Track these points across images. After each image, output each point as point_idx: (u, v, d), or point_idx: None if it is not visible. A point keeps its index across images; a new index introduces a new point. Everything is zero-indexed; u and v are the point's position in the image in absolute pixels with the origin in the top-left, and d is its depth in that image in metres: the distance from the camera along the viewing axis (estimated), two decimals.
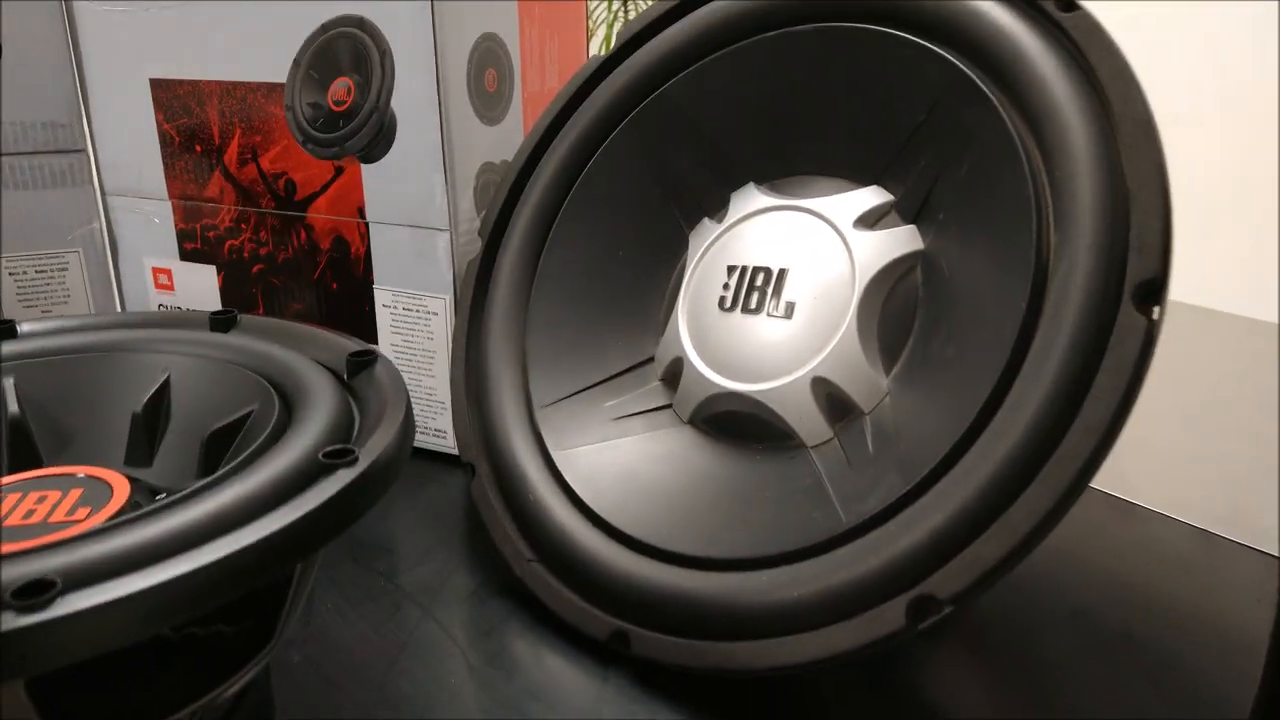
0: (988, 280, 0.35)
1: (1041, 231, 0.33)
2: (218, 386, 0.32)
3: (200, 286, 0.56)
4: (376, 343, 0.52)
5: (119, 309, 0.59)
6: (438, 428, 0.52)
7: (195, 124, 0.53)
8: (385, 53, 0.47)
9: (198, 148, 0.53)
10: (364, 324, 0.52)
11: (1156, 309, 0.30)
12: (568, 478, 0.40)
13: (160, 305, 0.58)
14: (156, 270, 0.57)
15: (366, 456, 0.25)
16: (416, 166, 0.48)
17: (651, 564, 0.36)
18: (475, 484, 0.43)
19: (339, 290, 0.52)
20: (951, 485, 0.31)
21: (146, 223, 0.56)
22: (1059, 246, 0.32)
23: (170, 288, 0.57)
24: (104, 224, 0.58)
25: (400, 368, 0.51)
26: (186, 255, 0.56)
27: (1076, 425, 0.30)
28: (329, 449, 0.25)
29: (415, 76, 0.46)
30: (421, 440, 0.53)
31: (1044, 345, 0.31)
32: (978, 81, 0.36)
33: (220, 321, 0.35)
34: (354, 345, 0.32)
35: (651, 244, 0.46)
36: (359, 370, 0.31)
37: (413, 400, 0.52)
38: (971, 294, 0.36)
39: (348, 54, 0.48)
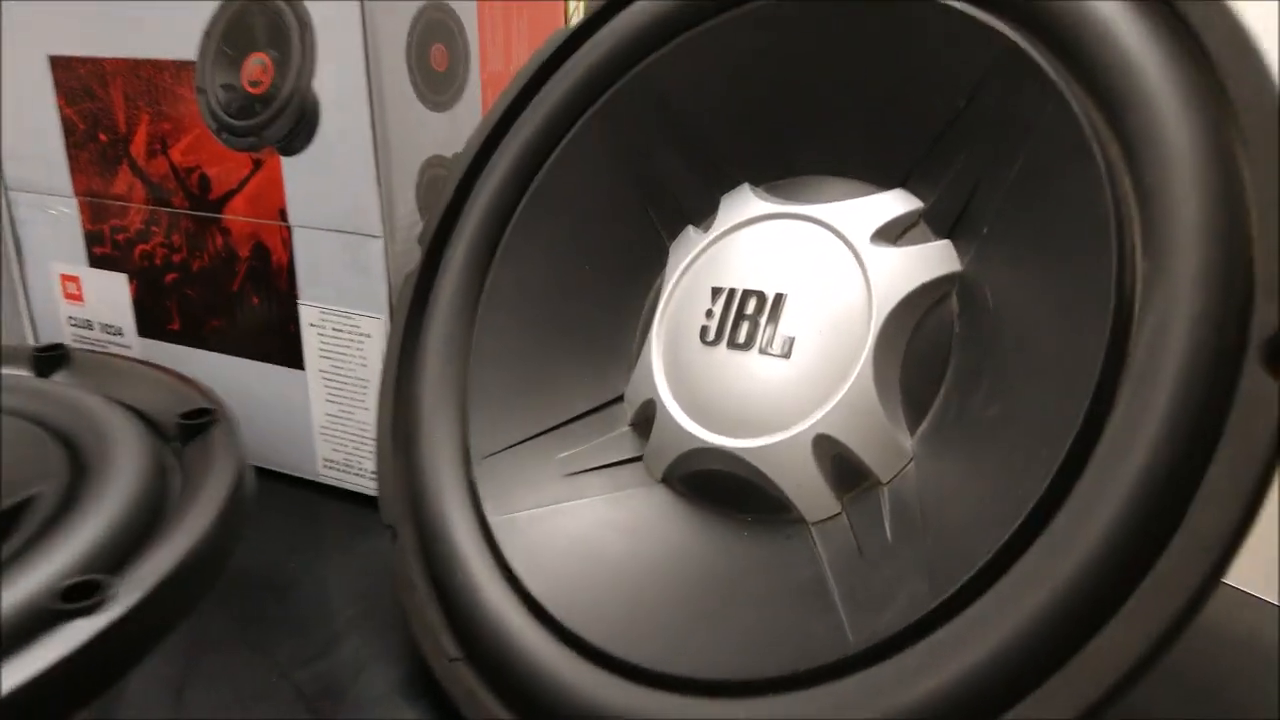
0: (1048, 318, 0.27)
1: (1125, 256, 0.24)
2: (11, 455, 0.24)
3: (112, 297, 0.48)
4: (303, 369, 0.44)
5: (27, 323, 0.52)
6: (375, 469, 0.44)
7: (99, 108, 0.45)
8: (305, 24, 0.38)
9: (102, 136, 0.45)
10: (289, 346, 0.44)
11: None
12: (506, 552, 0.32)
13: (70, 318, 0.50)
14: (65, 278, 0.49)
15: (129, 594, 0.17)
16: (344, 160, 0.40)
17: (600, 676, 0.28)
18: (397, 553, 0.35)
19: (260, 306, 0.44)
20: (996, 607, 0.23)
21: (53, 223, 0.49)
22: (1150, 278, 0.24)
23: (79, 298, 0.49)
24: (7, 223, 0.50)
25: (330, 398, 0.43)
26: (96, 261, 0.48)
27: (1180, 539, 0.21)
28: (72, 582, 0.17)
29: (341, 53, 0.38)
30: (357, 484, 0.45)
31: (1130, 417, 0.23)
32: (1034, 55, 0.27)
33: (44, 360, 0.27)
34: (198, 401, 0.24)
35: (624, 256, 0.38)
36: (192, 435, 0.23)
37: (346, 437, 0.44)
38: (1025, 335, 0.27)
39: (264, 26, 0.39)
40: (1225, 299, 0.22)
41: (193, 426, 0.23)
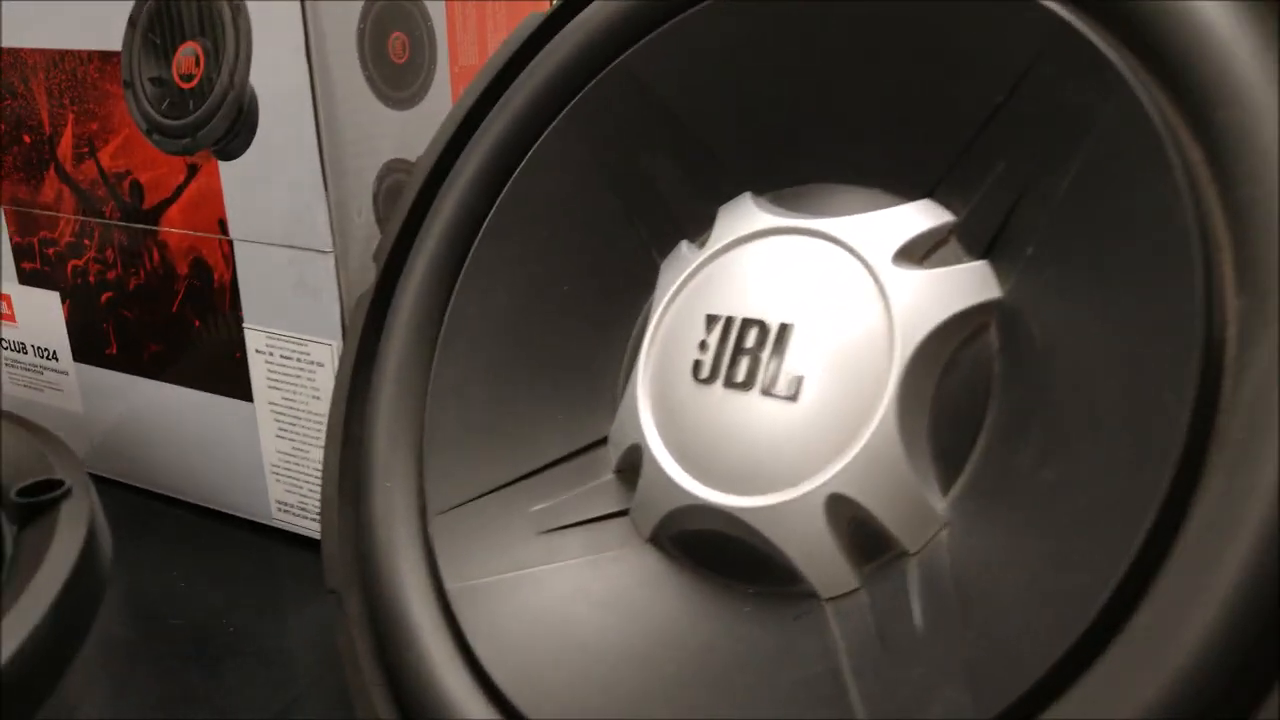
0: (1113, 363, 0.22)
1: (1213, 290, 0.19)
2: None
3: (45, 318, 0.43)
4: (251, 400, 0.39)
5: None
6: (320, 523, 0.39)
7: (21, 106, 0.40)
8: (238, 9, 0.34)
9: (26, 138, 0.41)
10: (236, 375, 0.39)
11: None
12: (467, 629, 0.27)
13: (1, 340, 0.45)
14: None
15: None
16: (287, 165, 0.35)
17: None
18: (341, 625, 0.30)
19: (202, 329, 0.39)
20: None
21: None
22: (1248, 320, 0.19)
23: (12, 318, 0.45)
24: None
25: (281, 433, 0.38)
26: (26, 278, 0.43)
27: None
28: None
29: (279, 41, 0.33)
30: (315, 530, 0.40)
31: (1225, 499, 0.18)
32: (1092, 38, 0.23)
33: None
34: (48, 469, 0.20)
35: (609, 275, 0.33)
36: (31, 517, 0.18)
37: (301, 477, 0.39)
38: (1083, 382, 0.22)
39: (194, 11, 0.35)
40: None
41: (31, 505, 0.18)
